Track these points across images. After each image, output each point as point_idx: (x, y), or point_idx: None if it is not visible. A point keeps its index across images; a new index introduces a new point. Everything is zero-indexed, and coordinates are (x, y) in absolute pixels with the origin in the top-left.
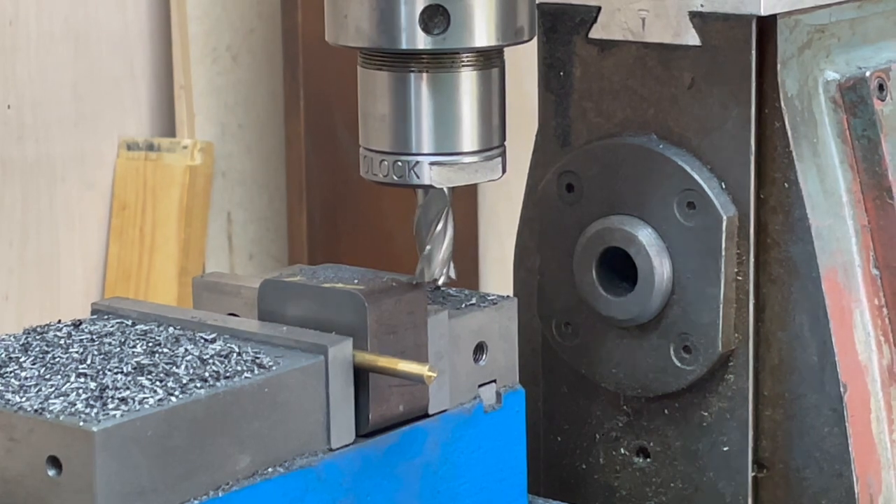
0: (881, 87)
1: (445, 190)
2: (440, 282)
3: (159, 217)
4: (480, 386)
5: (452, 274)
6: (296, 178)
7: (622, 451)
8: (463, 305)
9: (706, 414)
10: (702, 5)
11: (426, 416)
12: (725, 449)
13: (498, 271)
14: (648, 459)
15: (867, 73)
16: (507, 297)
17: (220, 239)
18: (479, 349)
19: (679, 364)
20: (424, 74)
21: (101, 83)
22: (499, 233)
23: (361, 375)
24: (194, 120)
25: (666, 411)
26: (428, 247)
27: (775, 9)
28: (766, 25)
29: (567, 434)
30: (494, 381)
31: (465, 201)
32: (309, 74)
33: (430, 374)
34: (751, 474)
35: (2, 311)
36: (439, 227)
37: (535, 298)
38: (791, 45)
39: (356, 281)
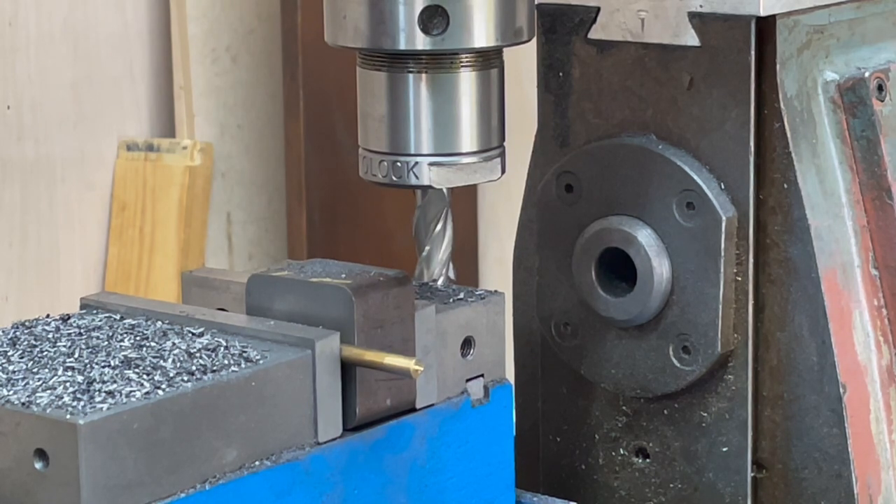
0: (880, 88)
1: (444, 190)
2: (439, 283)
3: (159, 217)
4: (468, 380)
5: (452, 274)
6: (295, 178)
7: (621, 451)
8: (450, 300)
9: (705, 414)
10: (701, 6)
11: (413, 410)
12: (725, 449)
13: (497, 271)
14: (648, 460)
15: (866, 74)
16: (495, 291)
17: (219, 239)
18: (467, 344)
19: (678, 364)
20: (423, 75)
21: (100, 83)
22: (499, 233)
23: (348, 369)
24: (194, 120)
25: (665, 412)
26: (427, 247)
27: (774, 9)
28: (766, 26)
29: (566, 434)
30: (482, 375)
31: (464, 202)
32: (308, 75)
33: (416, 368)
34: (750, 475)
35: (2, 311)
36: (438, 227)
37: (535, 299)
38: (790, 45)
39: (343, 275)
